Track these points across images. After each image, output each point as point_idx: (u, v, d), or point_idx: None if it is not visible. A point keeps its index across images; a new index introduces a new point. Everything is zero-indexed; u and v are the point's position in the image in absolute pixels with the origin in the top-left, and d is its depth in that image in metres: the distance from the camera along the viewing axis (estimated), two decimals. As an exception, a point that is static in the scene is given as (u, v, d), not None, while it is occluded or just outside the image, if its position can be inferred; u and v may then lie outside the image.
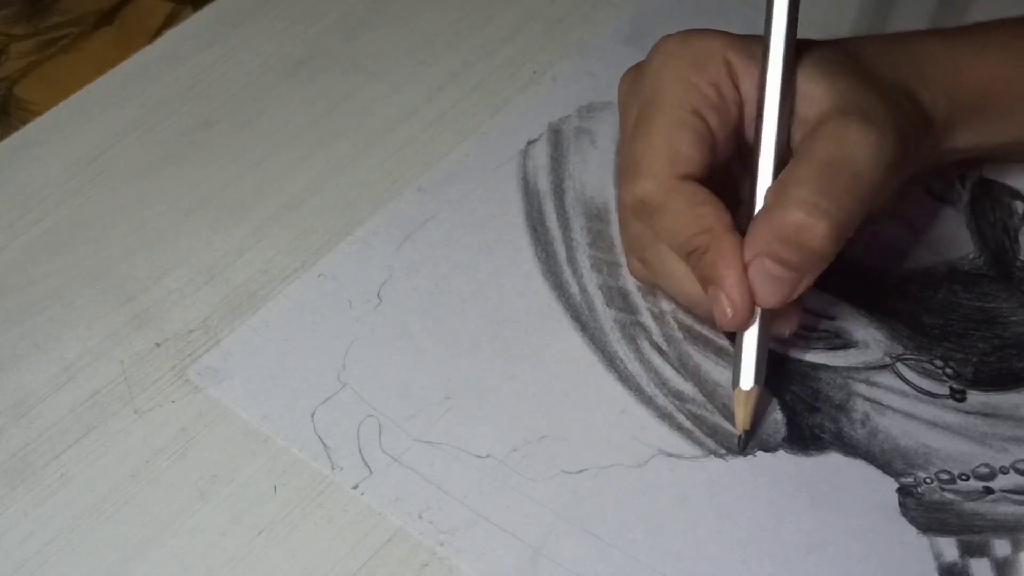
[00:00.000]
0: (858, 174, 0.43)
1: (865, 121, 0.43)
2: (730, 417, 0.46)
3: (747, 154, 0.46)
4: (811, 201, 0.42)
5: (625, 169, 0.46)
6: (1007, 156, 0.52)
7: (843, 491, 0.44)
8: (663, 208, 0.45)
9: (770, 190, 0.44)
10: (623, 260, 0.51)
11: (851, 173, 0.43)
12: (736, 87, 0.46)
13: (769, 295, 0.43)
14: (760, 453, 0.45)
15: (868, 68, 0.46)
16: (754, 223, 0.44)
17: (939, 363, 0.47)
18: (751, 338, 0.45)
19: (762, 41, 0.45)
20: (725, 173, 0.47)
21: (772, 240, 0.43)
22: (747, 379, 0.44)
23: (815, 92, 0.45)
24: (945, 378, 0.47)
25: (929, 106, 0.47)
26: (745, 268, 0.43)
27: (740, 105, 0.46)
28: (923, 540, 0.43)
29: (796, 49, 0.45)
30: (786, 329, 0.46)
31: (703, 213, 0.44)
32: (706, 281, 0.44)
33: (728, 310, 0.44)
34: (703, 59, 0.46)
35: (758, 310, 0.44)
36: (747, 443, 0.45)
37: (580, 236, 0.52)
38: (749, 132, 0.46)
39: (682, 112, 0.45)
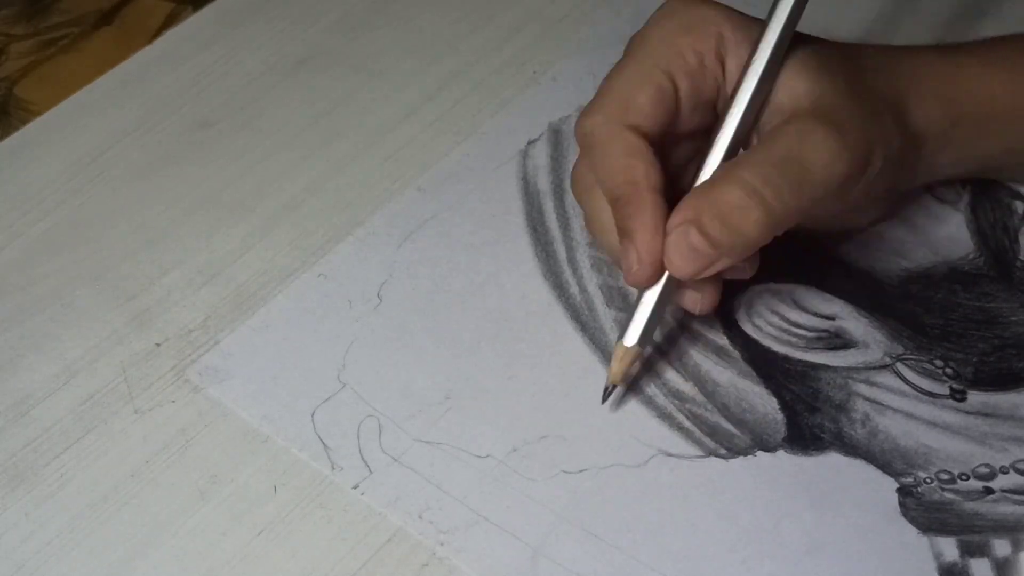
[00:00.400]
0: (807, 177, 0.43)
1: (832, 128, 0.44)
2: (731, 417, 0.46)
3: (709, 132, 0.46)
4: (753, 186, 0.43)
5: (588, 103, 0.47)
6: (1007, 172, 0.52)
7: (843, 491, 0.44)
8: (601, 148, 0.45)
9: (718, 168, 0.45)
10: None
11: (801, 173, 0.43)
12: (721, 62, 0.46)
13: (682, 264, 0.43)
14: (760, 453, 0.45)
15: (861, 76, 0.46)
16: (692, 192, 0.44)
17: (939, 363, 0.47)
18: (649, 299, 0.45)
19: (761, 24, 0.45)
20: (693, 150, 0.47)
21: (704, 211, 0.43)
22: (632, 336, 0.45)
23: (797, 85, 0.45)
24: (945, 378, 0.47)
25: (921, 122, 0.47)
26: (665, 232, 0.43)
27: (718, 81, 0.46)
28: (923, 540, 0.43)
29: (793, 41, 0.45)
30: (696, 307, 0.46)
31: (634, 164, 0.44)
32: (622, 232, 0.44)
33: (634, 265, 0.44)
34: (696, 25, 0.46)
35: (666, 275, 0.44)
36: (609, 396, 0.46)
37: (580, 236, 0.52)
38: (722, 108, 0.46)
39: (653, 67, 0.45)
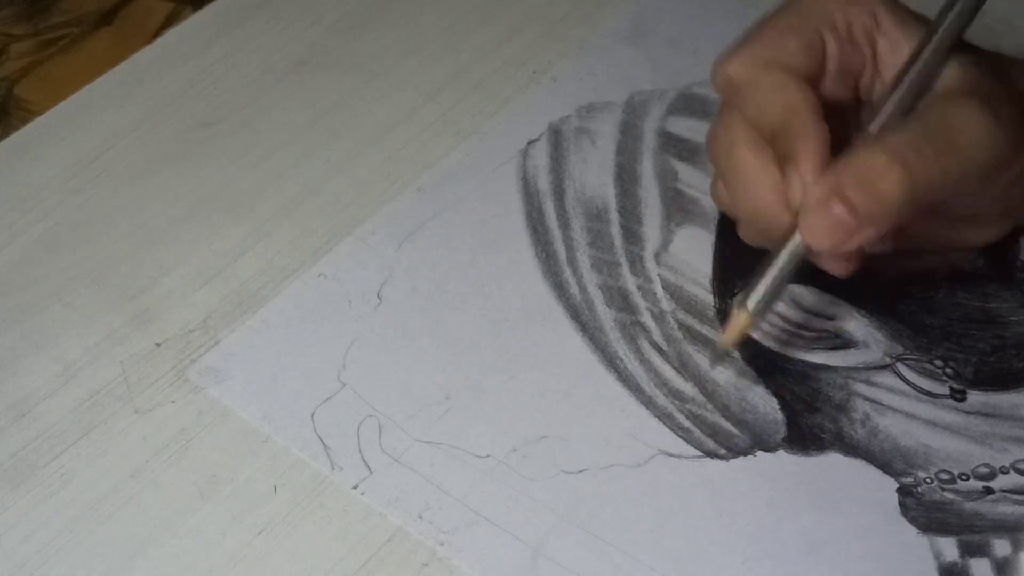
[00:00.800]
0: (956, 148, 0.42)
1: (986, 105, 0.43)
2: (731, 417, 0.46)
3: (854, 111, 0.46)
4: (899, 149, 0.41)
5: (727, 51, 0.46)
6: None
7: (843, 491, 0.44)
8: (753, 87, 0.44)
9: (867, 139, 0.43)
10: (623, 260, 0.51)
11: (949, 143, 0.42)
12: (871, 42, 0.46)
13: (822, 237, 0.42)
14: (760, 453, 0.45)
15: (1010, 79, 0.45)
16: (837, 162, 0.43)
17: (939, 363, 0.47)
18: (779, 263, 0.43)
19: (920, 17, 0.45)
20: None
21: (846, 179, 0.41)
22: (754, 301, 0.43)
23: (951, 73, 0.44)
24: (945, 378, 0.47)
25: None
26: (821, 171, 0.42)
27: (866, 59, 0.46)
28: (923, 540, 0.43)
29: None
30: (836, 270, 0.45)
31: (792, 95, 0.43)
32: (785, 160, 0.43)
33: (798, 190, 0.42)
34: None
35: (791, 246, 0.43)
36: (720, 359, 0.45)
37: (580, 236, 0.52)
38: (865, 87, 0.46)
39: (806, 22, 0.45)
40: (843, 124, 0.45)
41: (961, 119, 0.42)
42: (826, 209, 0.41)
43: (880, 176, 0.41)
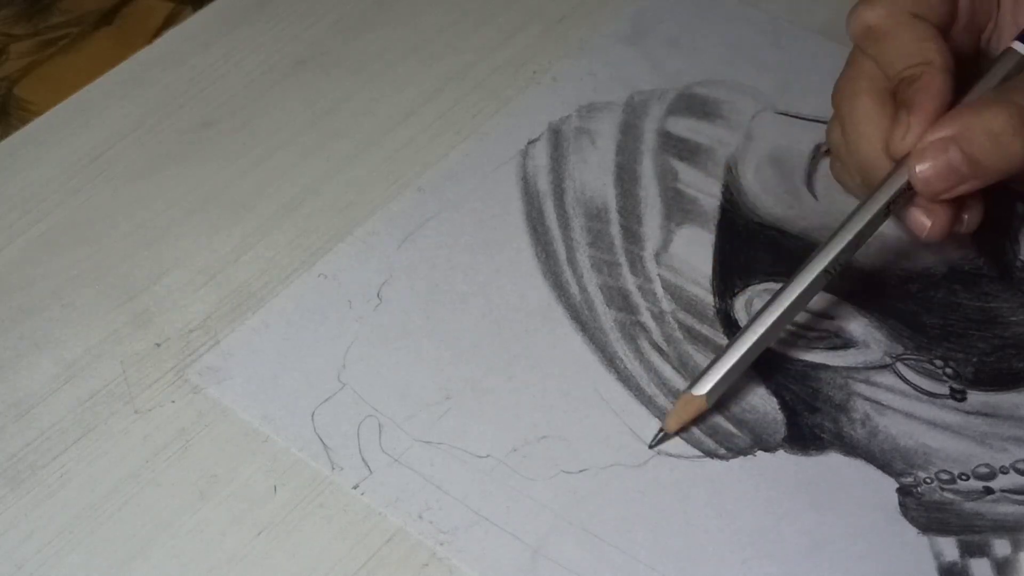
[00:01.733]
0: None
1: None
2: (731, 417, 0.46)
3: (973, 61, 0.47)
4: None
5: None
6: None
7: (843, 491, 0.44)
8: (891, 34, 0.45)
9: (988, 91, 0.45)
10: (623, 260, 0.51)
11: None
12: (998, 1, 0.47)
13: (933, 178, 0.43)
14: (760, 453, 0.45)
15: None
16: (954, 111, 0.44)
17: (939, 363, 0.47)
18: (735, 351, 0.44)
19: None
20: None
21: (971, 128, 0.43)
22: (703, 386, 0.44)
23: None
24: (945, 378, 0.47)
25: None
26: (939, 119, 0.43)
27: (992, 14, 0.47)
28: (923, 540, 0.43)
29: None
30: (923, 231, 0.46)
31: (928, 47, 0.44)
32: (902, 104, 0.44)
33: (902, 134, 0.44)
34: None
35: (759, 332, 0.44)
36: (658, 442, 0.45)
37: (580, 236, 0.52)
38: (986, 40, 0.47)
39: None
40: (960, 73, 0.46)
41: None
42: (943, 153, 0.43)
43: (1010, 134, 0.43)
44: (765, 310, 0.44)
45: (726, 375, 0.44)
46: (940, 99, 0.44)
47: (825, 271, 0.45)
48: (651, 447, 0.45)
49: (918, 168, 0.44)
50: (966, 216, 0.47)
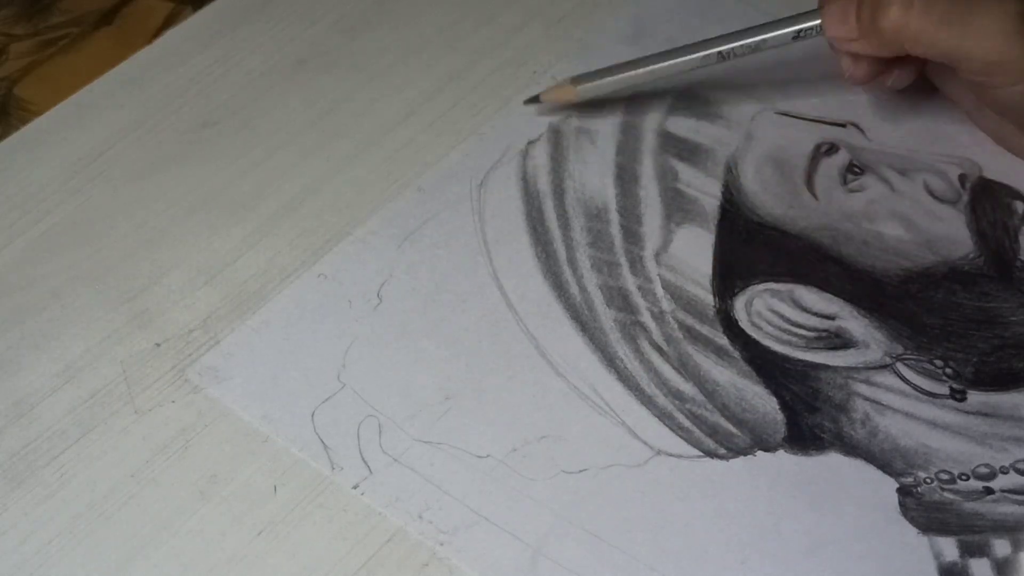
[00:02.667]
0: (967, 28, 0.47)
1: (1020, 19, 0.47)
2: (731, 417, 0.46)
3: None
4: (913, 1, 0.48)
5: None
6: None
7: (843, 491, 0.44)
8: None
9: None
10: (623, 260, 0.51)
11: (963, 19, 0.47)
12: None
13: (828, 26, 0.51)
14: (760, 453, 0.45)
15: None
16: None
17: (939, 363, 0.47)
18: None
19: None
20: None
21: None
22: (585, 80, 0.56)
23: None
24: (945, 378, 0.47)
25: None
26: None
27: None
28: (923, 540, 0.43)
29: None
30: (847, 72, 0.52)
31: None
32: None
33: None
34: None
35: None
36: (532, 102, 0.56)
37: (580, 236, 0.52)
38: None
39: None
40: None
41: (987, 11, 0.47)
42: (843, 12, 0.50)
43: (883, 7, 0.48)
44: (665, 57, 0.54)
45: (605, 84, 0.55)
46: None
47: (720, 54, 0.53)
48: (524, 102, 0.56)
49: (824, 18, 0.51)
50: (896, 71, 0.52)
